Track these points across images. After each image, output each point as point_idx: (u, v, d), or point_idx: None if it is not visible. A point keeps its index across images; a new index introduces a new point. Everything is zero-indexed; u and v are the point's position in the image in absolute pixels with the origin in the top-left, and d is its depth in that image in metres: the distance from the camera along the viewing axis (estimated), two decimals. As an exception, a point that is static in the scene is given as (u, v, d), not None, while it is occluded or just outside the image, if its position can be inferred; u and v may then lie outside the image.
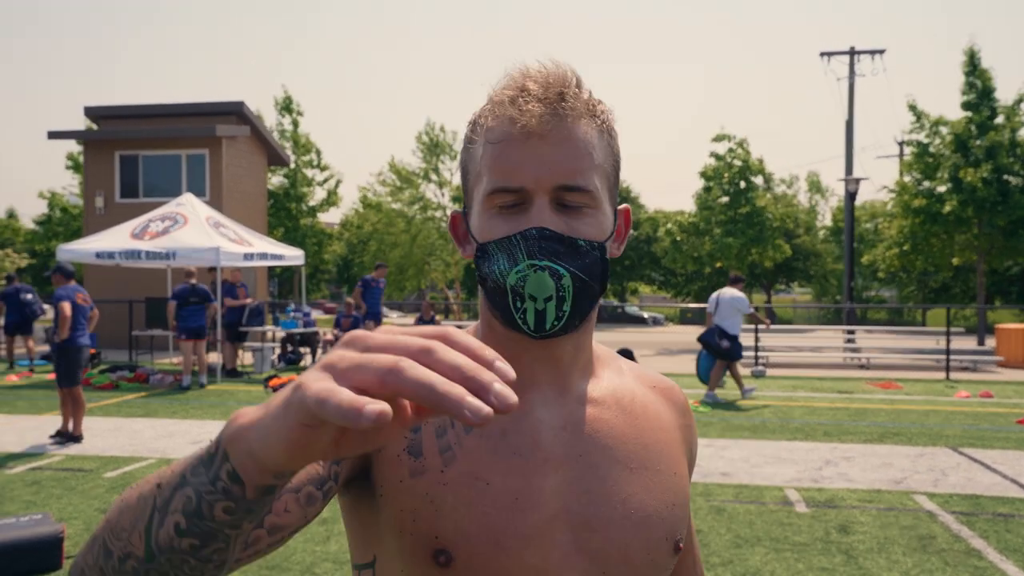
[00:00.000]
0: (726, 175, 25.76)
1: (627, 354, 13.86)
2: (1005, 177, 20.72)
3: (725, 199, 25.90)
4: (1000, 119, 21.25)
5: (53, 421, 8.39)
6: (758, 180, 27.75)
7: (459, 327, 0.92)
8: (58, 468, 6.44)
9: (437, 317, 15.36)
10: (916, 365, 15.81)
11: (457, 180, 31.69)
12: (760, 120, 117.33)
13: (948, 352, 14.32)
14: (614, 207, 0.86)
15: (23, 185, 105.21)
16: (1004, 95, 22.08)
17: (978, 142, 21.04)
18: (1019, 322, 20.33)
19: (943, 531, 4.85)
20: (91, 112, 20.52)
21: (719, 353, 10.21)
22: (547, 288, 0.79)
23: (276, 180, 30.07)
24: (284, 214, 29.86)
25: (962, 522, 5.04)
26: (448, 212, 37.41)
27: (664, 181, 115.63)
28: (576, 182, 0.80)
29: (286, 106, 29.66)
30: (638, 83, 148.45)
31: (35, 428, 8.19)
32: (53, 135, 19.77)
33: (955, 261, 22.82)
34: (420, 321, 15.02)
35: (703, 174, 26.26)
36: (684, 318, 43.79)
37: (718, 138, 25.92)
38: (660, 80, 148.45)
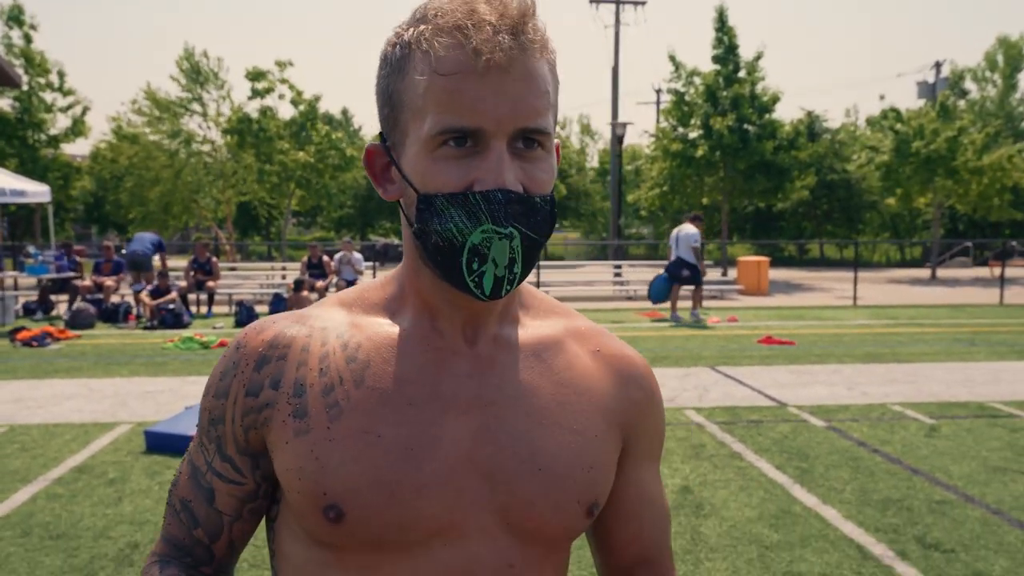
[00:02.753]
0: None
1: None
2: (745, 126, 23.25)
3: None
4: (743, 73, 23.71)
5: None
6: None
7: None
8: None
9: (213, 259, 14.35)
10: (674, 295, 17.51)
11: (226, 110, 29.52)
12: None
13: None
14: None
15: None
16: (746, 52, 24.48)
17: (725, 93, 23.34)
18: (754, 255, 23.22)
19: (711, 439, 5.55)
20: None
21: (682, 280, 11.88)
22: (506, 254, 0.74)
23: (4, 103, 26.13)
24: (17, 143, 26.12)
25: (725, 431, 5.79)
26: (216, 146, 34.59)
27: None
28: (537, 124, 0.73)
29: (15, 16, 25.59)
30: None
31: None
32: None
33: (704, 201, 25.40)
34: (194, 263, 13.96)
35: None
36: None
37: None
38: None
